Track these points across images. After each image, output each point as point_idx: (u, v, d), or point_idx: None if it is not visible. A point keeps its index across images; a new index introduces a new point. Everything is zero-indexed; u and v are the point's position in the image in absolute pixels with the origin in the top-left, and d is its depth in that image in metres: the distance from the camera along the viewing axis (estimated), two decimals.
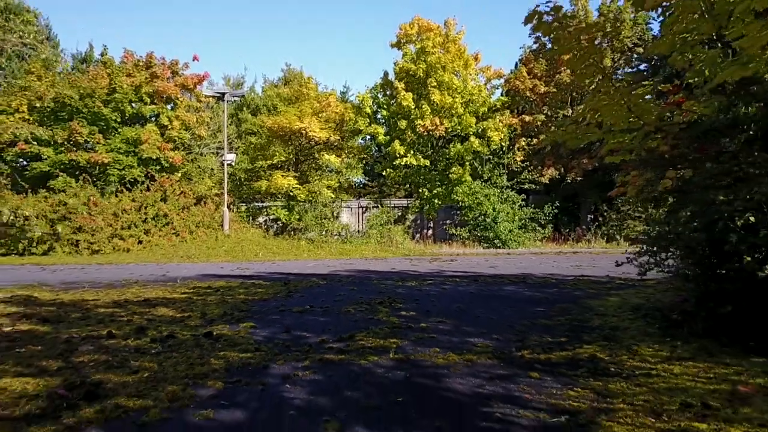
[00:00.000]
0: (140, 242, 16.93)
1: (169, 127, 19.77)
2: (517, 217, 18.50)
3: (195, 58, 22.52)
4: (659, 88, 5.24)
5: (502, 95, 21.26)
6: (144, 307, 5.93)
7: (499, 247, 17.68)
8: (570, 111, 19.25)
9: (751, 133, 3.54)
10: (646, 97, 5.30)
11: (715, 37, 4.23)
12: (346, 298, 6.60)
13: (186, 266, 12.42)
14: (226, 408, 2.72)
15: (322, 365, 3.50)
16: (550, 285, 7.86)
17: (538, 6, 5.11)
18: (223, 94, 18.74)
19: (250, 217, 21.17)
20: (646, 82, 6.29)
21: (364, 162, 23.53)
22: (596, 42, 5.32)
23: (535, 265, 11.56)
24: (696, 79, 4.06)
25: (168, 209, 17.80)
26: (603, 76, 5.29)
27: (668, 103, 5.36)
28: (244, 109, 28.68)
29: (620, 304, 5.79)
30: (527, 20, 5.31)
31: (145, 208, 17.42)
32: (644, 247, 4.59)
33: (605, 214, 18.12)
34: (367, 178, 27.59)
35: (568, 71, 17.16)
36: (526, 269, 10.59)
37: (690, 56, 3.99)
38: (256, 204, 21.96)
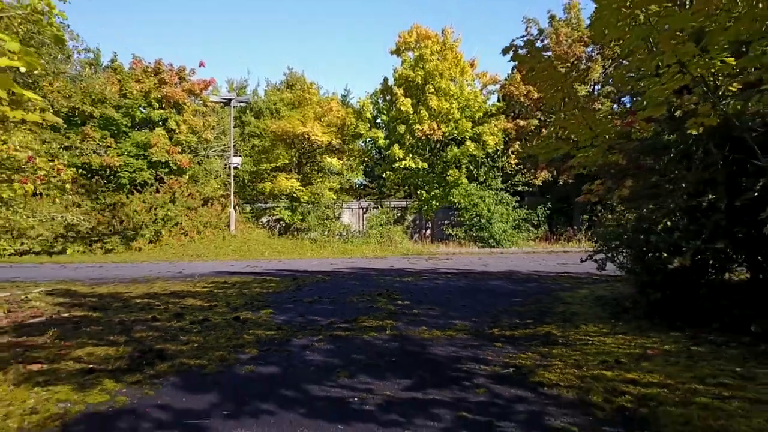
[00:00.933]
0: (151, 242, 17.89)
1: (177, 131, 20.73)
2: (511, 218, 19.44)
3: (201, 64, 23.60)
4: (618, 110, 6.20)
5: (498, 100, 22.19)
6: (174, 299, 6.88)
7: (494, 247, 18.63)
8: (563, 116, 20.13)
9: (671, 155, 4.47)
10: (608, 116, 6.26)
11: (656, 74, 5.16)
12: (350, 290, 7.55)
13: (198, 264, 13.37)
14: (264, 365, 3.67)
15: (332, 338, 4.45)
16: (532, 280, 8.82)
17: (514, 40, 6.07)
18: (230, 100, 19.71)
19: (255, 218, 22.12)
20: (604, 106, 7.23)
21: (364, 164, 24.51)
22: (566, 69, 6.29)
23: (524, 263, 12.50)
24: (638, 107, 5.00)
25: (177, 210, 18.75)
26: (569, 99, 6.25)
27: (626, 123, 6.33)
28: (248, 112, 29.60)
29: (587, 295, 6.75)
30: (504, 51, 6.28)
31: (155, 209, 18.37)
32: (600, 246, 5.54)
33: (599, 214, 19.03)
34: (367, 180, 28.53)
35: None
36: (514, 267, 11.54)
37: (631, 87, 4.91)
38: (260, 205, 22.90)
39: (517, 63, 6.15)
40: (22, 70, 2.81)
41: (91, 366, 3.60)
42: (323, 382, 3.28)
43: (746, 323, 4.26)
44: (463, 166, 20.43)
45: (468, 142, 19.88)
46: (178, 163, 20.24)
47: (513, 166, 20.95)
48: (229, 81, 33.77)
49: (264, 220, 22.36)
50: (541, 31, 21.51)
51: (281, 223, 21.94)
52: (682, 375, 3.23)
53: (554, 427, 2.52)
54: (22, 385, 3.20)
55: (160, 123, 21.00)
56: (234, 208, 20.41)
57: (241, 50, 62.25)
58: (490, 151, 20.28)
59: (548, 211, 20.21)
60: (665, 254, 4.35)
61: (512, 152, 20.49)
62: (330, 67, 62.57)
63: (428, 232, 22.12)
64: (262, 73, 60.00)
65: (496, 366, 3.57)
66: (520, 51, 6.12)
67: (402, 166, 20.45)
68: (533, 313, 5.62)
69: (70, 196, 17.40)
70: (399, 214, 21.99)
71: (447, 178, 20.45)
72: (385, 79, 22.26)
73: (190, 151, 21.82)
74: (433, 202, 20.90)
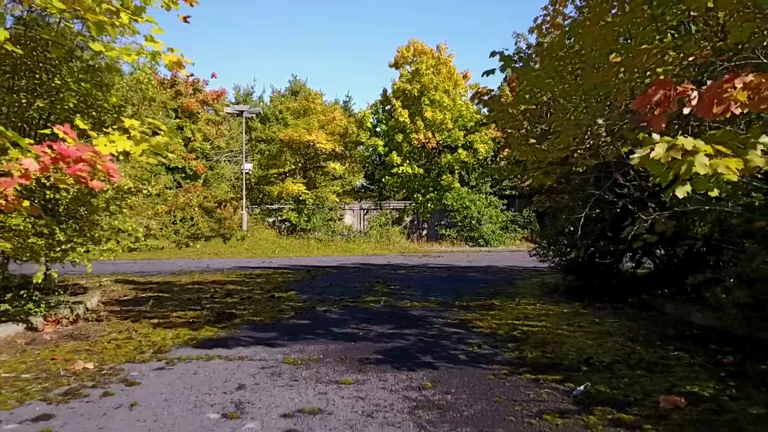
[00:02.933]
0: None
1: (192, 138, 22.88)
2: (499, 220, 21.56)
3: (213, 75, 25.70)
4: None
5: (489, 111, 24.30)
6: (217, 285, 9.00)
7: (483, 246, 20.74)
8: (546, 126, 22.27)
9: (577, 182, 6.55)
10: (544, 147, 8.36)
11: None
12: (353, 279, 9.67)
13: (219, 261, 15.48)
14: (300, 320, 5.78)
15: (343, 307, 6.56)
16: (503, 273, 10.93)
17: (479, 88, 8.26)
18: (242, 111, 21.82)
19: (263, 219, 24.25)
20: (547, 141, 9.33)
21: (365, 168, 26.65)
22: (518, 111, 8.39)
23: (504, 260, 14.60)
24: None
25: (194, 212, 20.90)
26: (520, 134, 8.36)
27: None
28: (255, 117, 31.79)
29: (537, 283, 8.86)
30: (474, 96, 8.48)
31: (174, 211, 20.51)
32: (538, 246, 7.65)
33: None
34: (368, 182, 30.67)
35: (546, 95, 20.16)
36: (494, 262, 13.65)
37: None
38: (267, 206, 25.03)
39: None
40: (165, 140, 4.92)
41: (191, 320, 5.72)
42: (339, 326, 5.39)
43: (627, 297, 6.37)
44: (456, 171, 22.54)
45: (460, 150, 21.98)
46: (194, 168, 22.41)
47: (511, 166, 23.07)
48: (236, 88, 35.88)
49: (270, 220, 24.49)
50: (529, 46, 23.59)
51: (285, 223, 24.07)
52: (560, 323, 5.35)
53: (471, 342, 4.62)
54: (156, 329, 5.31)
55: (177, 131, 23.15)
56: (245, 210, 22.53)
57: (246, 57, 64.40)
58: (480, 157, 22.37)
59: (534, 213, 22.31)
60: (567, 249, 6.45)
61: (500, 159, 22.59)
62: (332, 71, 64.74)
63: (424, 232, 24.22)
64: (267, 80, 62.28)
65: (449, 319, 5.68)
66: (484, 97, 8.28)
67: (400, 171, 22.56)
68: (489, 293, 7.74)
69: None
70: (397, 216, 24.10)
71: (441, 182, 22.55)
72: (384, 91, 24.40)
73: (203, 156, 23.98)
74: (429, 205, 23.00)
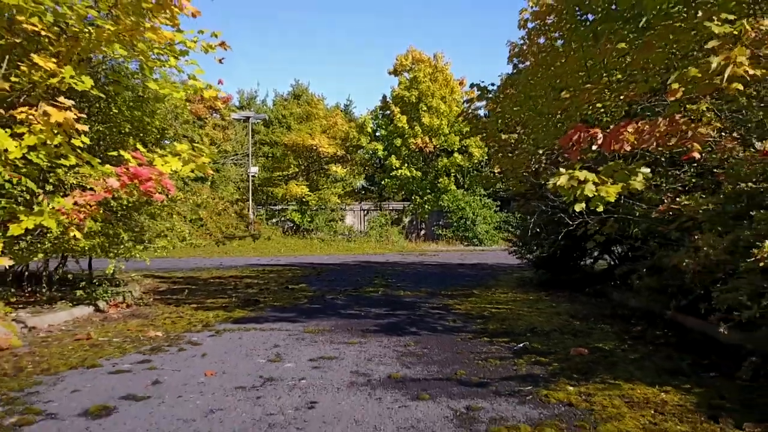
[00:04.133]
0: (182, 241, 21.36)
1: (200, 143, 24.21)
2: (493, 220, 22.89)
3: (220, 82, 26.82)
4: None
5: (484, 116, 25.61)
6: (235, 279, 10.34)
7: (477, 245, 22.08)
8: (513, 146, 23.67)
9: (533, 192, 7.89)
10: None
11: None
12: (356, 274, 11.01)
13: (230, 259, 16.83)
14: (313, 305, 7.12)
15: (348, 295, 7.90)
16: (489, 269, 12.27)
17: (464, 109, 9.55)
18: (248, 117, 23.17)
19: (267, 220, 25.60)
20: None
21: (365, 171, 27.98)
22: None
23: (494, 258, 15.93)
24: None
25: (202, 213, 22.23)
26: (499, 146, 9.69)
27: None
28: (258, 121, 33.16)
29: (516, 277, 10.19)
30: (459, 115, 9.77)
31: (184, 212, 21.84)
32: (513, 243, 8.98)
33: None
34: (368, 183, 32.02)
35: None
36: (484, 260, 14.98)
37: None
38: (272, 207, 26.39)
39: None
40: (208, 161, 6.27)
41: (223, 305, 7.06)
42: (345, 309, 6.72)
43: (585, 288, 7.70)
44: (452, 174, 23.89)
45: (456, 154, 23.33)
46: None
47: (496, 175, 24.38)
48: (240, 92, 37.20)
49: (274, 221, 25.84)
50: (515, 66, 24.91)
51: (290, 224, 25.43)
52: (522, 306, 6.69)
53: (448, 319, 5.95)
54: (198, 311, 6.64)
55: (185, 136, 24.48)
56: (251, 211, 23.88)
57: (248, 61, 65.72)
58: (475, 161, 23.71)
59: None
60: (535, 248, 7.80)
61: (493, 163, 23.90)
62: (333, 74, 66.06)
63: (422, 232, 25.57)
64: (270, 84, 63.68)
65: (433, 304, 7.03)
66: (466, 117, 9.57)
67: (398, 174, 23.92)
68: (472, 285, 9.08)
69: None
70: (396, 216, 25.45)
71: (438, 185, 23.91)
72: (384, 97, 25.77)
73: (210, 160, 25.29)
74: (426, 206, 24.36)
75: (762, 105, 4.22)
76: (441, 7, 70.51)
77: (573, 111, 6.27)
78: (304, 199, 24.33)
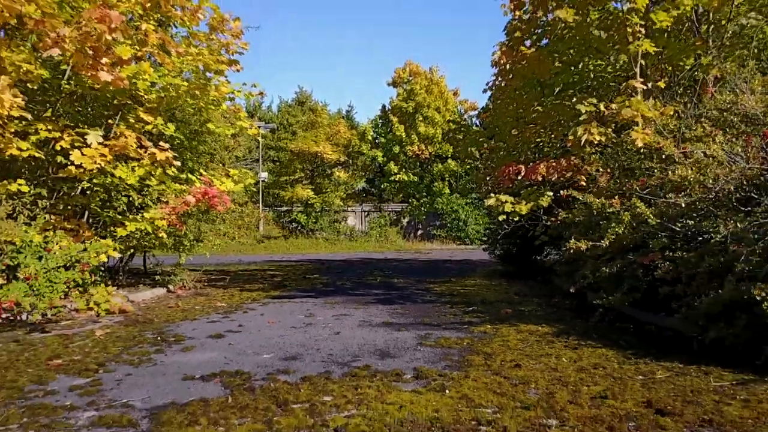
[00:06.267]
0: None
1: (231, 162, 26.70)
2: (483, 222, 25.29)
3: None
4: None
5: (475, 125, 28.05)
6: (260, 271, 12.79)
7: (468, 244, 24.51)
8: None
9: None
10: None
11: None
12: (359, 268, 13.46)
13: (247, 257, 19.28)
14: (327, 288, 9.58)
15: (353, 282, 10.36)
16: (471, 264, 14.71)
17: (448, 129, 12.01)
18: (259, 126, 25.59)
19: (275, 221, 28.05)
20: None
21: (366, 174, 30.43)
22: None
23: (481, 256, 18.31)
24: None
25: (216, 215, 24.64)
26: (479, 158, 12.13)
27: None
28: (267, 130, 35.64)
29: (491, 270, 12.62)
30: (443, 136, 12.26)
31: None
32: (485, 242, 11.42)
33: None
34: (369, 186, 34.47)
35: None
36: (471, 257, 17.42)
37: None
38: (278, 209, 28.82)
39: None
40: (252, 182, 8.74)
41: (260, 288, 9.50)
42: (352, 291, 9.17)
43: (537, 277, 10.12)
44: (446, 179, 26.34)
45: (450, 161, 25.77)
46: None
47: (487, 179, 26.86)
48: (247, 98, 39.65)
49: (282, 222, 28.29)
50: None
51: (295, 224, 27.87)
52: (483, 288, 9.14)
53: (427, 296, 8.39)
54: (242, 292, 9.07)
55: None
56: (261, 213, 26.33)
57: (255, 66, 68.18)
58: (467, 167, 26.13)
59: None
60: (499, 245, 10.26)
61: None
62: (335, 78, 68.51)
63: (419, 232, 28.01)
64: (274, 91, 66.30)
65: (419, 287, 9.48)
66: (449, 135, 12.02)
67: (397, 179, 26.36)
68: (452, 275, 11.52)
69: None
70: (395, 217, 27.89)
71: (433, 188, 26.36)
72: (384, 107, 28.25)
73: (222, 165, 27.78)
74: (422, 208, 26.80)
75: (623, 154, 6.62)
76: (438, 22, 72.98)
77: (521, 145, 8.79)
78: (309, 202, 26.78)
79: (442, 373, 3.93)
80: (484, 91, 10.94)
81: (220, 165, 10.74)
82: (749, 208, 4.67)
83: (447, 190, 26.08)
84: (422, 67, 27.26)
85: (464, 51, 67.46)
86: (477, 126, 29.11)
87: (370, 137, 27.88)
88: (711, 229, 4.63)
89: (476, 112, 28.53)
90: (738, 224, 4.37)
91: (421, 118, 25.89)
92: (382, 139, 27.71)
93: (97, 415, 3.19)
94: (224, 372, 4.08)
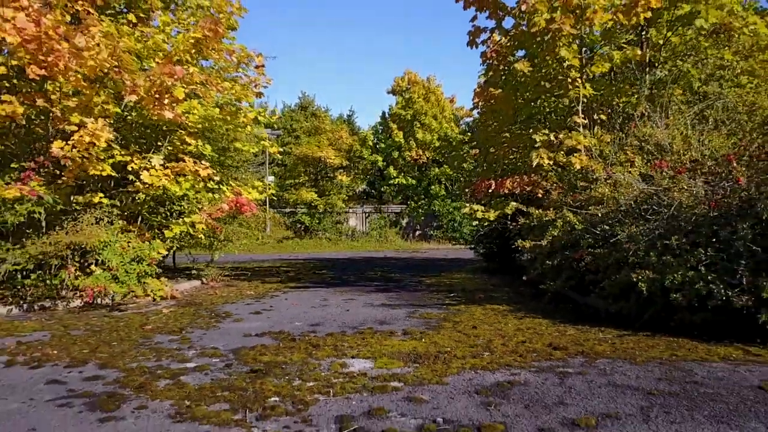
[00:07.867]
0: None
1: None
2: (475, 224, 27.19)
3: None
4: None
5: (469, 132, 29.92)
6: (275, 268, 14.65)
7: (463, 245, 26.30)
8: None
9: None
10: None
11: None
12: (361, 265, 15.32)
13: (258, 256, 21.12)
14: (335, 281, 11.44)
15: (356, 276, 12.22)
16: (462, 262, 16.57)
17: (439, 145, 13.89)
18: (268, 135, 27.43)
19: (281, 222, 29.89)
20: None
21: (366, 177, 32.29)
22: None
23: (471, 255, 20.18)
24: None
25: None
26: (463, 168, 13.99)
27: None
28: (273, 136, 37.54)
29: (478, 267, 14.46)
30: (435, 151, 14.12)
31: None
32: (470, 242, 13.28)
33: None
34: (369, 188, 36.33)
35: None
36: (463, 256, 19.25)
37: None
38: (283, 210, 30.66)
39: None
40: (273, 191, 10.63)
41: (279, 281, 11.36)
42: (356, 283, 11.02)
43: (515, 272, 11.97)
44: (443, 183, 28.19)
45: (446, 165, 27.60)
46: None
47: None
48: (251, 104, 41.54)
49: (287, 222, 30.13)
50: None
51: (299, 225, 29.71)
52: (466, 280, 11.00)
53: (419, 286, 10.24)
54: (264, 284, 10.93)
55: None
56: (268, 215, 28.17)
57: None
58: (455, 175, 28.00)
59: None
60: (481, 244, 12.10)
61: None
62: (336, 81, 70.38)
63: (417, 233, 29.87)
64: (278, 96, 68.41)
65: (413, 280, 11.34)
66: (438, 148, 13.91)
67: (396, 182, 28.23)
68: (443, 271, 13.38)
69: None
70: (395, 218, 29.74)
71: (430, 191, 28.22)
72: (384, 114, 30.08)
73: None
74: (420, 210, 28.67)
75: (569, 174, 8.43)
76: (437, 31, 74.80)
77: (497, 162, 10.64)
78: (313, 204, 28.63)
79: (422, 332, 5.80)
80: (471, 109, 12.75)
81: (242, 176, 12.57)
82: (650, 217, 6.52)
83: (443, 193, 27.94)
84: (420, 76, 29.12)
85: (464, 52, 69.27)
86: (471, 133, 31.09)
87: (370, 143, 29.75)
88: (619, 233, 6.48)
89: (472, 118, 30.42)
90: (633, 228, 6.22)
91: (418, 125, 27.74)
92: (382, 145, 29.58)
93: (198, 351, 5.06)
94: (271, 332, 5.94)
